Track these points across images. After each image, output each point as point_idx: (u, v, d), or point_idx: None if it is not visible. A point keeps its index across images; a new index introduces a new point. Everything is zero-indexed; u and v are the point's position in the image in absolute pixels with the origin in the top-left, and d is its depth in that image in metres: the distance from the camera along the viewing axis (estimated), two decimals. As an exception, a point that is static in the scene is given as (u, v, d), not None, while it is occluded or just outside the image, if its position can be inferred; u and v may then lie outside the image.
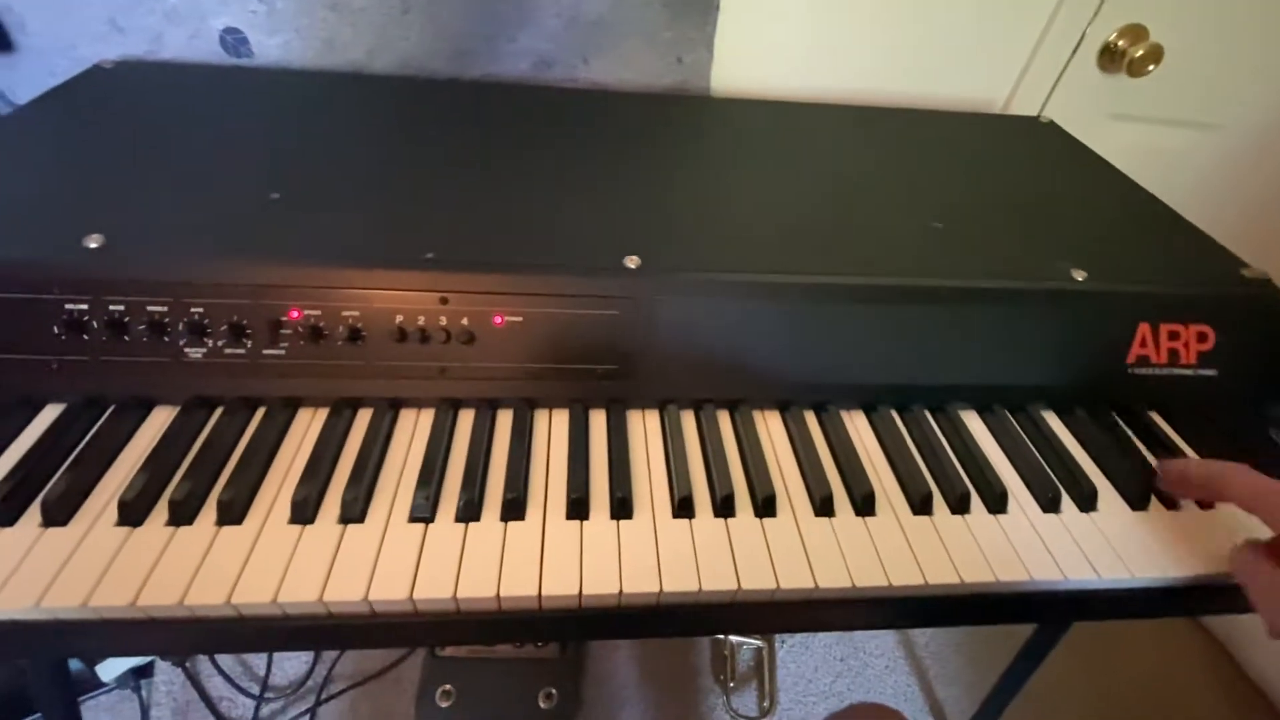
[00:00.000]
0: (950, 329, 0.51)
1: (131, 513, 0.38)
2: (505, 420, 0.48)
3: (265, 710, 0.97)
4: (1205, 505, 0.47)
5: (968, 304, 0.51)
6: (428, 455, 0.44)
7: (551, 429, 0.48)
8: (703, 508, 0.43)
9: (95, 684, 0.96)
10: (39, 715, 0.90)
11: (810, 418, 0.50)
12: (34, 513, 0.38)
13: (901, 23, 0.86)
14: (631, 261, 0.49)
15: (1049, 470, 0.48)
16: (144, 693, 0.97)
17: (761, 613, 0.41)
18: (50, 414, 0.44)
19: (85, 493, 0.40)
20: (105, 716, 0.96)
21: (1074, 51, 0.91)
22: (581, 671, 1.07)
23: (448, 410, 0.47)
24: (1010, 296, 0.52)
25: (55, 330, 0.44)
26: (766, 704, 1.07)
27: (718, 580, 0.39)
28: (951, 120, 0.83)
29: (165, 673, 1.00)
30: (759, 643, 1.14)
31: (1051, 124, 0.85)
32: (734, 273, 0.49)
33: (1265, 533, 0.38)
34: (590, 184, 0.60)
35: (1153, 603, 0.43)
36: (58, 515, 0.38)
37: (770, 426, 0.50)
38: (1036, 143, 0.80)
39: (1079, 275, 0.53)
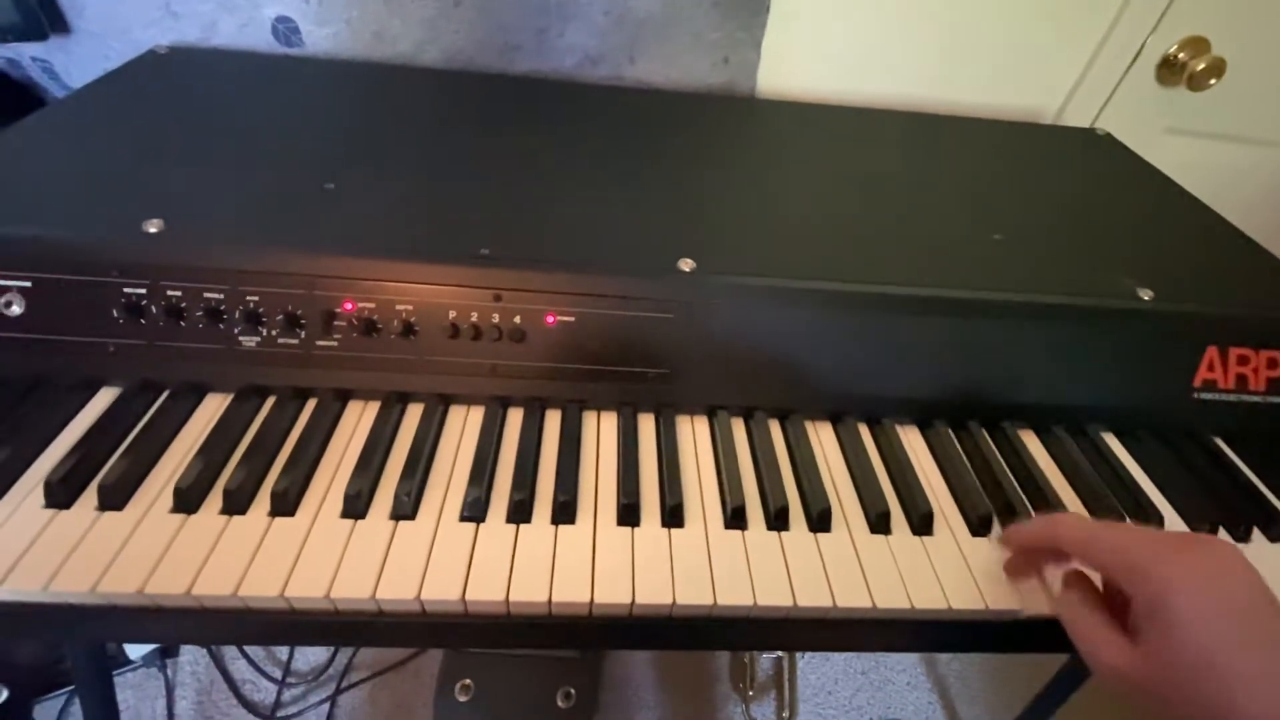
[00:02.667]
0: (1011, 345, 0.50)
1: (187, 500, 0.38)
2: (554, 420, 0.47)
3: (286, 695, 0.98)
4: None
5: (1030, 320, 0.50)
6: (478, 453, 0.43)
7: (600, 431, 0.47)
8: (755, 519, 0.42)
9: (122, 660, 0.97)
10: (70, 689, 0.92)
11: (864, 431, 0.49)
12: (90, 496, 0.39)
13: (952, 29, 0.84)
14: (686, 265, 0.48)
15: (1112, 495, 0.46)
16: (169, 671, 0.98)
17: (814, 630, 0.40)
18: (106, 397, 0.45)
19: (140, 478, 0.40)
20: (130, 693, 0.97)
21: (1132, 62, 0.89)
22: (599, 672, 1.07)
23: (497, 408, 0.47)
24: (1075, 314, 0.50)
25: (114, 313, 0.44)
26: (786, 714, 1.06)
27: (772, 596, 0.38)
28: (1004, 129, 0.81)
29: (190, 653, 1.01)
30: (779, 652, 1.13)
31: (1108, 136, 0.83)
32: (789, 279, 0.48)
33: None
34: (641, 184, 0.59)
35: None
36: (114, 500, 0.38)
37: (822, 438, 0.48)
38: (1093, 155, 0.78)
39: (1145, 294, 0.51)
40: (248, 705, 0.96)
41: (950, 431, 0.50)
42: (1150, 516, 0.45)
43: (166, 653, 0.98)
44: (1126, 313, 0.51)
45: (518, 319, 0.47)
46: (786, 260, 0.51)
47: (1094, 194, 0.69)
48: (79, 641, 0.63)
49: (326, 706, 0.97)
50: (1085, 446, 0.50)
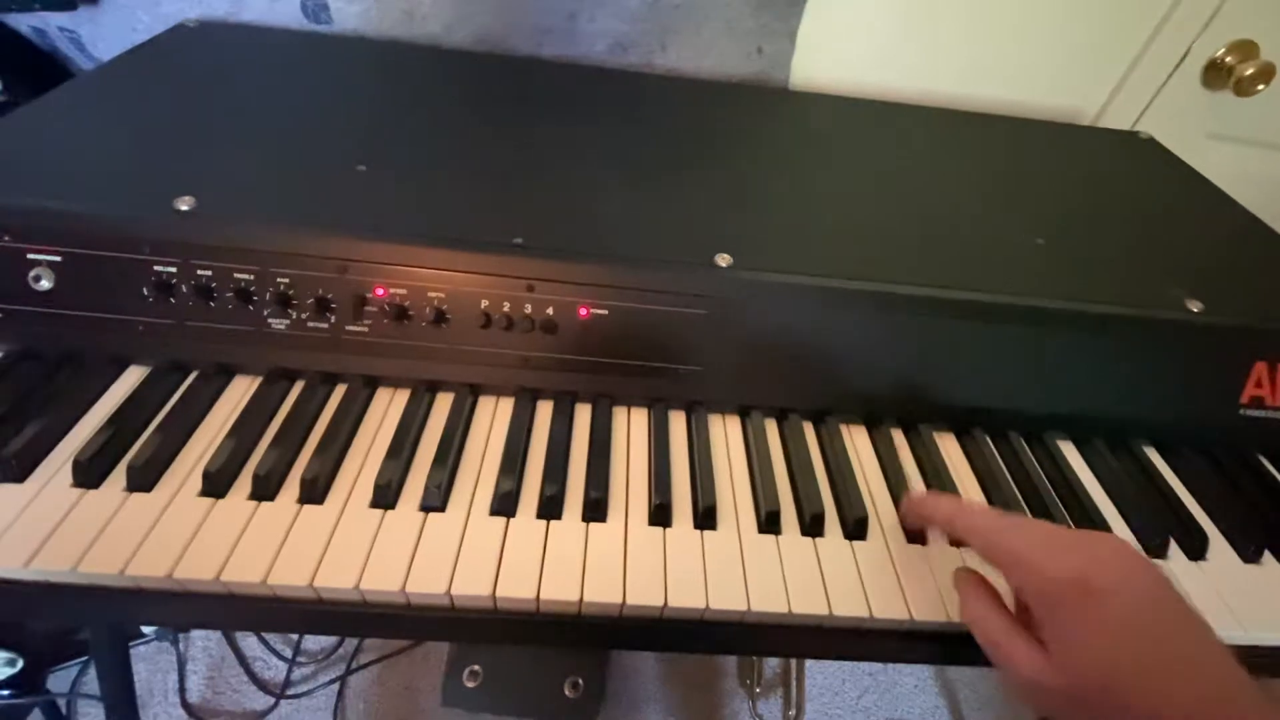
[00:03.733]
0: (1053, 354, 0.48)
1: (216, 484, 0.38)
2: (584, 415, 0.46)
3: (296, 674, 0.99)
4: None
5: (1074, 329, 0.48)
6: (509, 446, 0.43)
7: (631, 427, 0.46)
8: (789, 525, 0.41)
9: (135, 633, 0.98)
10: (84, 659, 0.93)
11: (899, 437, 0.48)
12: (119, 476, 0.38)
13: (993, 24, 0.82)
14: (722, 260, 0.47)
15: (1154, 512, 0.45)
16: (181, 646, 0.98)
17: (845, 640, 0.39)
18: (134, 375, 0.44)
19: (169, 459, 0.39)
20: (142, 666, 0.98)
21: (1177, 65, 0.86)
22: (607, 663, 1.07)
23: (527, 400, 0.46)
24: (1121, 324, 0.49)
25: (143, 291, 0.43)
26: (793, 713, 1.06)
27: (808, 604, 0.37)
28: (1044, 129, 0.79)
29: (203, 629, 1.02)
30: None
31: (1151, 140, 0.81)
32: (826, 277, 0.47)
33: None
34: (676, 175, 0.57)
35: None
36: (142, 481, 0.38)
37: (857, 442, 0.47)
38: (1136, 159, 0.76)
39: (1194, 305, 0.50)
40: (258, 682, 0.97)
41: (989, 440, 0.48)
42: (1194, 536, 0.43)
43: (179, 627, 0.99)
44: (1174, 324, 0.49)
45: (550, 310, 0.46)
46: (823, 258, 0.49)
47: (1138, 200, 0.67)
48: (103, 621, 0.64)
49: (336, 687, 0.97)
50: (1126, 460, 0.49)
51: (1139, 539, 0.43)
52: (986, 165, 0.69)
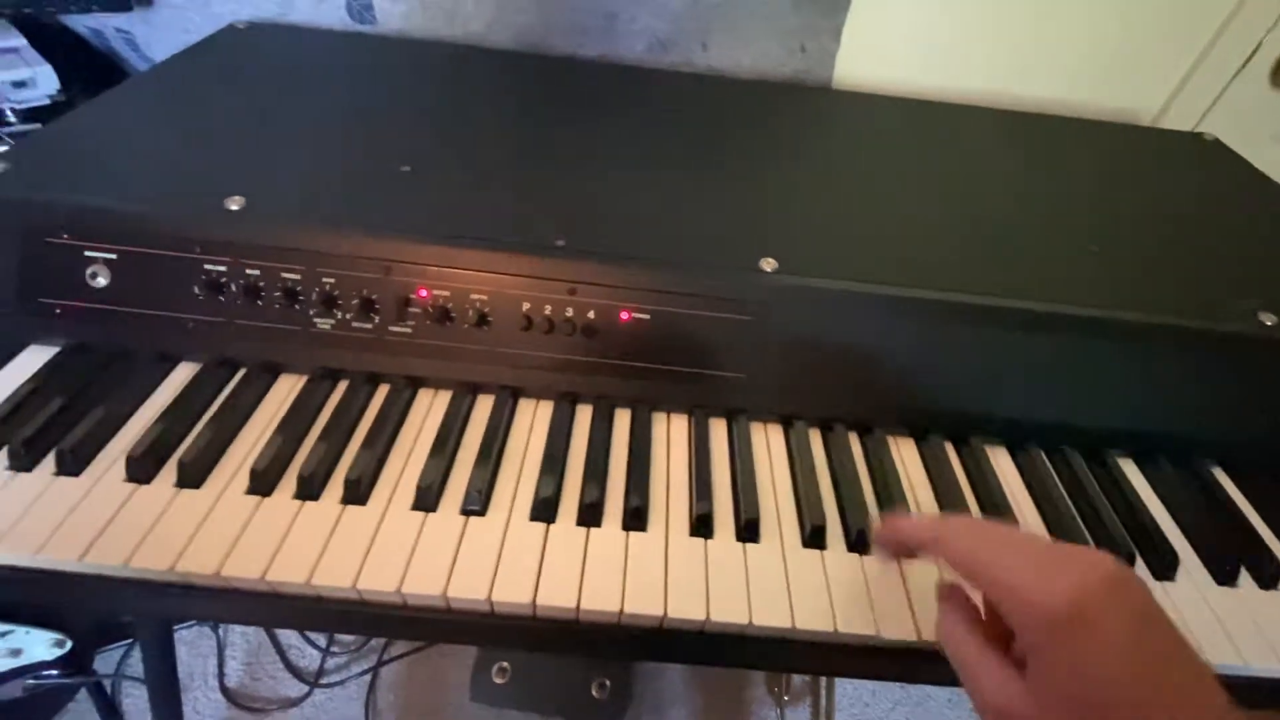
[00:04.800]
0: (1114, 367, 0.46)
1: (262, 482, 0.38)
2: (624, 420, 0.46)
3: (330, 664, 1.00)
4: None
5: (1135, 341, 0.46)
6: (549, 451, 0.42)
7: (671, 433, 0.46)
8: (835, 539, 0.40)
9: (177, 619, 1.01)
10: (128, 641, 0.96)
11: (949, 451, 0.46)
12: (169, 472, 0.39)
13: (1046, 21, 0.78)
14: (768, 264, 0.46)
15: (1224, 537, 0.43)
16: (220, 632, 1.01)
17: (888, 660, 0.38)
18: (185, 372, 0.45)
19: (217, 457, 0.40)
20: (184, 650, 1.01)
21: (1245, 63, 0.82)
22: (634, 665, 1.06)
23: (567, 405, 0.46)
24: (1185, 336, 0.46)
25: (194, 290, 0.44)
26: (822, 723, 1.04)
27: (854, 623, 0.36)
28: (1101, 130, 0.76)
29: (240, 616, 1.04)
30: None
31: (1216, 142, 0.77)
32: (875, 284, 0.46)
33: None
34: (719, 176, 0.56)
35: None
36: (192, 478, 0.38)
37: (905, 455, 0.46)
38: (1200, 162, 0.72)
39: (1268, 319, 0.47)
40: (293, 670, 0.99)
41: (1044, 456, 0.46)
42: (1267, 563, 0.41)
43: (225, 621, 1.01)
44: (1245, 338, 0.46)
45: (591, 314, 0.45)
46: (871, 264, 0.48)
47: (1203, 204, 0.64)
48: (152, 614, 0.65)
49: (368, 678, 0.99)
50: (1192, 482, 0.47)
51: (1207, 565, 0.41)
52: (1041, 167, 0.66)
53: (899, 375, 0.46)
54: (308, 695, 0.97)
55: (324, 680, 0.99)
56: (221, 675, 0.97)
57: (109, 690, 0.92)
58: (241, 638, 1.03)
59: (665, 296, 0.45)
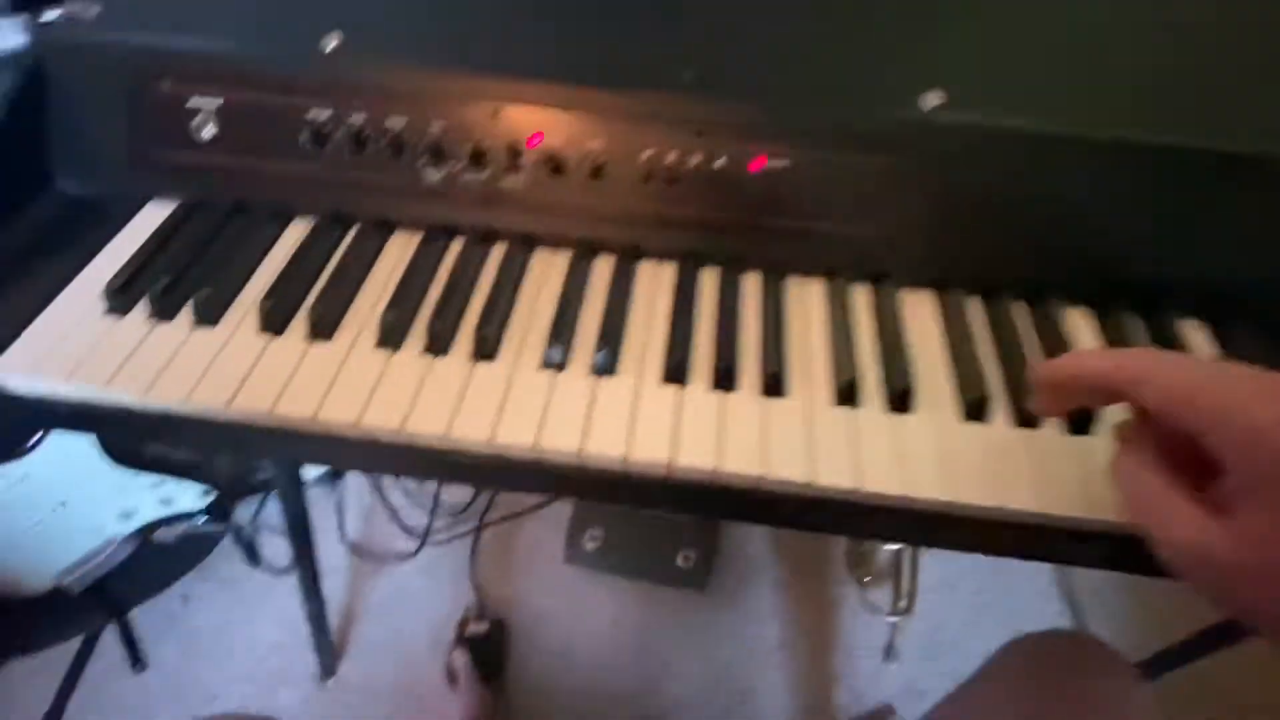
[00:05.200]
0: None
1: (391, 336, 0.37)
2: (753, 284, 0.42)
3: (436, 524, 1.08)
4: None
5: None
6: (676, 316, 0.39)
7: (808, 298, 0.41)
8: (999, 413, 0.36)
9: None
10: (263, 495, 1.06)
11: (1136, 325, 0.40)
12: (300, 324, 0.38)
13: None
14: (933, 98, 0.39)
15: None
16: (339, 493, 1.10)
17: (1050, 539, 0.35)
18: (300, 228, 0.44)
19: (344, 310, 0.39)
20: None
21: None
22: (718, 538, 1.10)
23: (691, 267, 0.42)
24: None
25: (300, 139, 0.41)
26: (904, 604, 1.05)
27: (1020, 499, 0.32)
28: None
29: (354, 478, 1.13)
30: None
31: None
32: (1063, 122, 0.38)
33: None
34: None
35: None
36: (322, 330, 0.38)
37: (1079, 328, 0.40)
38: None
39: None
40: (404, 528, 1.07)
41: (1258, 338, 0.40)
42: None
43: (335, 475, 1.10)
44: None
45: (721, 161, 0.40)
46: (1059, 97, 0.40)
47: None
48: (298, 461, 0.70)
49: (470, 538, 1.07)
50: None
51: None
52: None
53: (1084, 234, 0.39)
54: (418, 551, 1.06)
55: (430, 539, 1.07)
56: (342, 529, 1.07)
57: (248, 536, 1.03)
58: (355, 497, 1.12)
59: (807, 139, 0.39)
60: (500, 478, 0.36)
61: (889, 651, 1.02)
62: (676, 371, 0.37)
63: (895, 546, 1.12)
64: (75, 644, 0.92)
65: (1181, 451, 0.25)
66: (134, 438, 0.67)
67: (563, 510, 1.10)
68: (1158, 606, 1.07)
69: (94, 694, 0.93)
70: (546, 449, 0.34)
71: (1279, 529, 0.21)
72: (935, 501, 0.33)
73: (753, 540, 1.13)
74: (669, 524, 1.06)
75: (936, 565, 1.11)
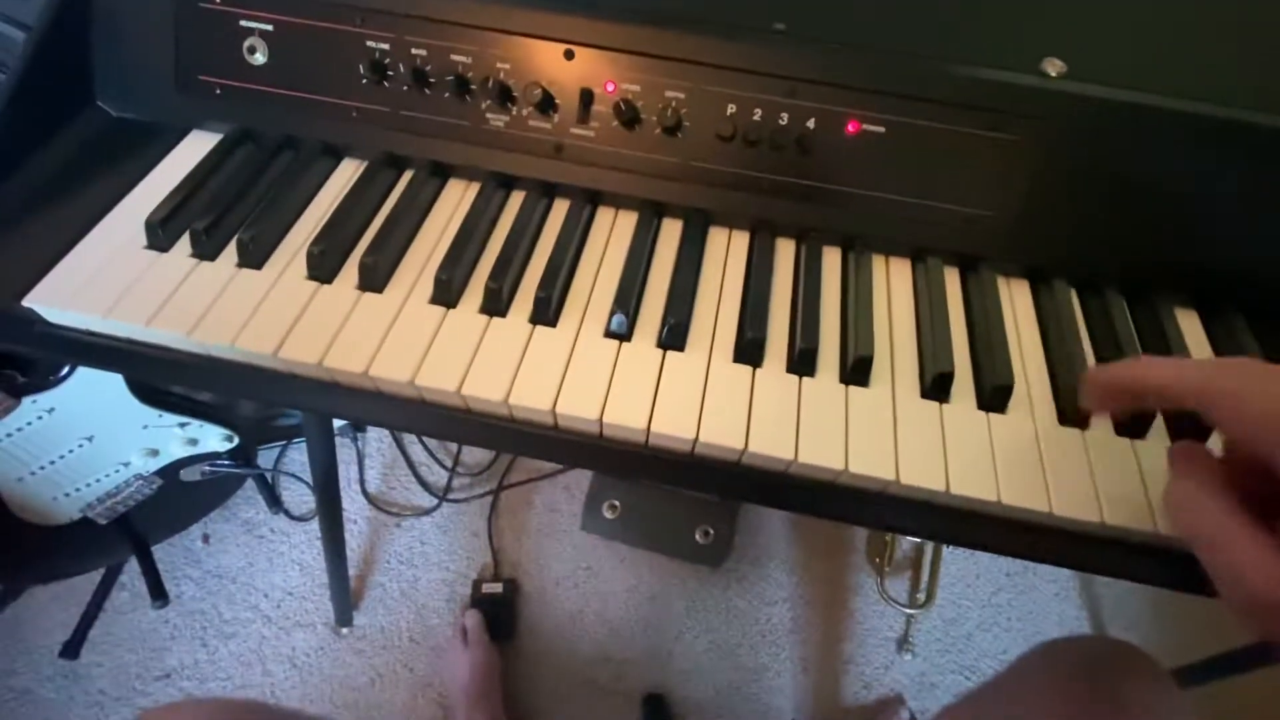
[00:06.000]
0: None
1: (447, 293, 0.35)
2: (833, 259, 0.39)
3: (455, 482, 1.08)
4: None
5: None
6: (753, 291, 0.36)
7: (890, 279, 0.38)
8: (1100, 422, 0.33)
9: (321, 427, 1.09)
10: (284, 442, 1.05)
11: (1243, 329, 0.37)
12: (350, 273, 0.36)
13: None
14: (1052, 66, 0.35)
15: None
16: (360, 443, 1.09)
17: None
18: (350, 169, 0.41)
19: (395, 261, 0.37)
20: (327, 455, 1.11)
21: None
22: (737, 516, 1.09)
23: (766, 236, 0.39)
24: None
25: (357, 71, 0.38)
26: (922, 597, 1.04)
27: (1125, 516, 0.30)
28: None
29: (376, 430, 1.12)
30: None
31: None
32: (1199, 100, 0.34)
33: None
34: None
35: None
36: (374, 282, 0.35)
37: (1186, 329, 0.37)
38: None
39: None
40: (424, 484, 1.07)
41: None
42: None
43: (357, 427, 1.09)
44: None
45: (811, 122, 0.37)
46: (1195, 72, 0.36)
47: None
48: (347, 417, 0.68)
49: (490, 498, 1.06)
50: None
51: None
52: None
53: (1202, 225, 0.36)
54: (437, 507, 1.06)
55: (450, 496, 1.07)
56: (363, 481, 1.07)
57: (270, 481, 1.03)
58: (377, 450, 1.11)
59: (908, 104, 0.36)
60: (557, 450, 0.33)
61: (903, 643, 1.01)
62: (750, 351, 0.34)
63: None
64: (97, 576, 0.93)
65: (1251, 479, 0.22)
66: (167, 379, 0.66)
67: (582, 477, 1.09)
68: (1180, 613, 1.05)
69: (113, 624, 0.94)
70: (611, 424, 0.31)
71: None
72: (1029, 510, 0.30)
73: (773, 520, 1.11)
74: (689, 497, 1.04)
75: (954, 560, 1.09)
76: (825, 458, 0.31)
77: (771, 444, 0.31)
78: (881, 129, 0.36)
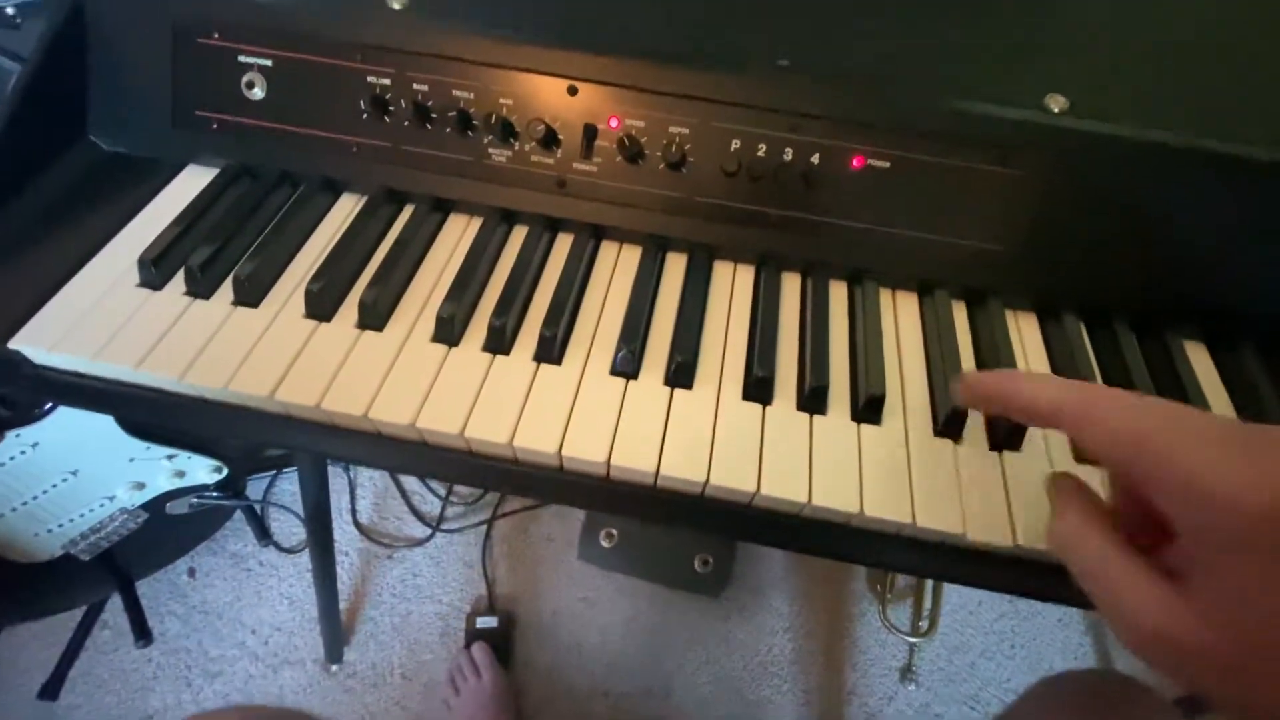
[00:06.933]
0: None
1: (449, 331, 0.34)
2: (839, 294, 0.38)
3: (449, 511, 1.06)
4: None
5: None
6: (762, 328, 0.36)
7: (898, 314, 0.38)
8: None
9: (312, 456, 1.07)
10: (274, 472, 1.03)
11: (1255, 365, 0.36)
12: (349, 311, 0.35)
13: None
14: (1054, 102, 0.35)
15: None
16: (352, 473, 1.07)
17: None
18: (350, 204, 0.40)
19: (396, 299, 0.36)
20: (318, 484, 1.08)
21: None
22: (736, 545, 1.07)
23: (774, 272, 0.39)
24: None
25: (357, 106, 0.38)
26: (924, 625, 1.02)
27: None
28: None
29: (368, 460, 1.10)
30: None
31: None
32: (1201, 136, 0.34)
33: None
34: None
35: None
36: (374, 321, 0.34)
37: (1197, 365, 0.36)
38: None
39: None
40: (417, 514, 1.05)
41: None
42: None
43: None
44: None
45: (815, 158, 0.37)
46: (1198, 108, 0.36)
47: None
48: (346, 461, 0.67)
49: (484, 527, 1.04)
50: None
51: None
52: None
53: (1208, 259, 0.36)
54: (430, 538, 1.03)
55: (444, 526, 1.04)
56: (354, 511, 1.05)
57: (259, 513, 1.00)
58: (369, 479, 1.09)
59: (913, 139, 0.36)
60: (563, 492, 0.32)
61: (906, 672, 0.99)
62: (759, 389, 0.33)
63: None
64: (79, 613, 0.90)
65: (1135, 505, 0.22)
66: (159, 419, 0.64)
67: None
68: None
69: (94, 663, 0.91)
70: (619, 466, 0.31)
71: (1243, 613, 0.18)
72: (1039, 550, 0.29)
73: (772, 549, 1.10)
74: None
75: (955, 591, 1.08)
76: (840, 500, 0.30)
77: (784, 486, 0.30)
78: (886, 164, 0.36)
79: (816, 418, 0.33)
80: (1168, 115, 0.35)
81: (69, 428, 0.66)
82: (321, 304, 0.34)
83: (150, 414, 0.34)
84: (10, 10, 0.58)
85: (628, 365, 0.34)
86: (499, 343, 0.34)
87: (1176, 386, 0.35)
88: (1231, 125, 0.35)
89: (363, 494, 1.07)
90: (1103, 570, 0.21)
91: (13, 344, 0.32)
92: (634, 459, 0.31)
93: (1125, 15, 0.42)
